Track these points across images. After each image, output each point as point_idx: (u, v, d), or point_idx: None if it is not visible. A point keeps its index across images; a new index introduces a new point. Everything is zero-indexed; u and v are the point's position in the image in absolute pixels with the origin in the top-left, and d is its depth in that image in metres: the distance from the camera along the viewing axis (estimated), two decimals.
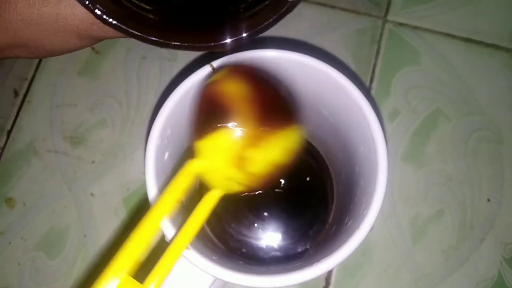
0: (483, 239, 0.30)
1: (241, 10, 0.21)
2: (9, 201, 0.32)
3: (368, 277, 0.29)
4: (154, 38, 0.19)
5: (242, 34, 0.20)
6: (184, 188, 0.18)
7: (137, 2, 0.20)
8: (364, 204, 0.20)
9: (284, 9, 0.20)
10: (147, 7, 0.20)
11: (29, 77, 0.34)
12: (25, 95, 0.34)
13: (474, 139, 0.32)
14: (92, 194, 0.31)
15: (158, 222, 0.17)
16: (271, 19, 0.20)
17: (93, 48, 0.34)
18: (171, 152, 0.23)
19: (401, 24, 0.34)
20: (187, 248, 0.18)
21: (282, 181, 0.30)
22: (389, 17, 0.34)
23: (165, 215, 0.17)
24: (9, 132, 0.33)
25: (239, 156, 0.18)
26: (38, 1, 0.24)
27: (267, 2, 0.20)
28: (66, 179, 0.32)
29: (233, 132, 0.18)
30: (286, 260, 0.28)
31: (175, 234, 0.18)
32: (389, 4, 0.34)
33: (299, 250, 0.28)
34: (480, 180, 0.31)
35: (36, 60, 0.34)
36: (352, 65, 0.33)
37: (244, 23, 0.20)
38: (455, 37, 0.33)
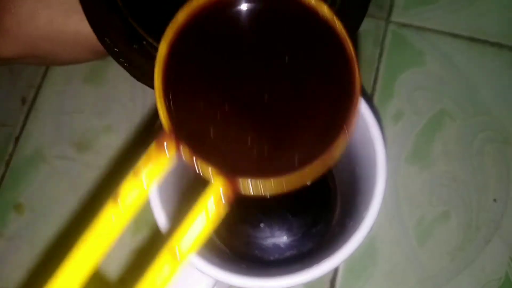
0: (489, 240, 0.29)
1: None
2: (18, 207, 0.32)
3: (373, 279, 0.29)
4: None
5: None
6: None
7: None
8: (363, 206, 0.20)
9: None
10: None
11: (36, 84, 0.35)
12: (33, 102, 0.34)
13: (479, 140, 0.31)
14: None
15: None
16: None
17: None
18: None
19: (404, 25, 0.34)
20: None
21: None
22: (392, 18, 0.34)
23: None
24: (17, 139, 0.34)
25: None
26: (59, 20, 0.25)
27: None
28: (73, 184, 0.32)
29: None
30: (292, 261, 0.28)
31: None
32: (391, 5, 0.34)
33: (305, 250, 0.28)
34: (486, 181, 0.30)
35: (43, 68, 0.35)
36: None
37: None
38: (459, 36, 0.33)
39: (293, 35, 0.16)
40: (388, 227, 0.30)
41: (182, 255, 0.14)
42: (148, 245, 0.31)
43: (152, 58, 0.18)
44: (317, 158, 0.14)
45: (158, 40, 0.16)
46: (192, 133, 0.15)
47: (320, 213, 0.29)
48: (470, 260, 0.29)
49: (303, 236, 0.29)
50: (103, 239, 0.15)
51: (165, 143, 0.14)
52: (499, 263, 0.29)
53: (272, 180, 0.14)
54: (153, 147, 0.15)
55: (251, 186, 0.14)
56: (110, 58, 0.35)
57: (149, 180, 0.15)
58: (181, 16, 0.15)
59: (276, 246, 0.29)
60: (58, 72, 0.35)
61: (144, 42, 0.17)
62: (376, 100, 0.32)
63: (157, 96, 0.14)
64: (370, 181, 0.20)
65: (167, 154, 0.14)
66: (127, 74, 0.34)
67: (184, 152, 0.14)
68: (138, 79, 0.18)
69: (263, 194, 0.14)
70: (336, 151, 0.15)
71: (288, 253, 0.28)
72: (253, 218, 0.30)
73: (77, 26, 0.25)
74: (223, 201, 0.14)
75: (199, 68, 0.15)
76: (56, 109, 0.34)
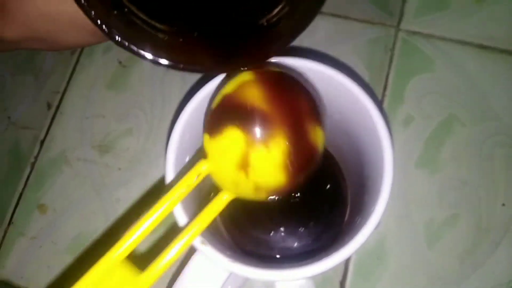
0: (498, 243, 0.30)
1: (261, 26, 0.21)
2: (41, 207, 0.34)
3: (383, 281, 0.30)
4: (164, 61, 0.20)
5: (264, 56, 0.20)
6: (192, 185, 0.19)
7: (148, 20, 0.20)
8: (371, 203, 0.21)
9: (304, 24, 0.20)
10: (159, 26, 0.20)
11: (61, 90, 0.37)
12: (58, 107, 0.36)
13: (489, 144, 0.32)
14: (118, 200, 0.33)
15: (164, 212, 0.19)
16: (287, 40, 0.20)
17: (120, 62, 0.36)
18: (191, 155, 0.24)
19: (414, 33, 0.34)
20: (193, 240, 0.19)
21: (297, 194, 0.30)
22: (402, 26, 0.35)
23: (172, 207, 0.19)
24: (42, 142, 0.35)
25: (244, 161, 0.17)
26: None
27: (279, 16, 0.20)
28: (94, 185, 0.34)
29: (241, 135, 0.17)
30: (302, 258, 0.29)
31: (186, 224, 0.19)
32: (401, 13, 0.35)
33: (316, 249, 0.29)
34: (495, 185, 0.31)
35: (68, 74, 0.37)
36: (366, 73, 0.34)
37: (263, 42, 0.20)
38: (469, 43, 0.34)
39: None
40: (398, 229, 0.30)
41: None
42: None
43: (134, 24, 0.19)
44: None
45: (140, 8, 0.18)
46: None
47: (331, 220, 0.30)
48: (480, 263, 0.30)
49: (313, 241, 0.30)
50: None
51: None
52: (509, 266, 0.29)
53: None
54: None
55: None
56: (131, 65, 0.36)
57: None
58: None
59: (287, 248, 0.29)
60: (82, 79, 0.37)
61: (126, 9, 0.19)
62: (386, 105, 0.33)
63: None
64: (378, 180, 0.21)
65: None
66: (146, 80, 0.36)
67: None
68: (119, 44, 0.19)
69: None
70: None
71: (298, 252, 0.29)
72: (264, 226, 0.30)
73: (74, 6, 0.25)
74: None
75: None
76: (80, 113, 0.36)
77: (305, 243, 0.29)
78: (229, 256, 0.20)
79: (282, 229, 0.30)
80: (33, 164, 0.35)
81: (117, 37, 0.19)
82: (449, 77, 0.33)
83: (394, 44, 0.34)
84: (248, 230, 0.30)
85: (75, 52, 0.37)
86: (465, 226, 0.30)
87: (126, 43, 0.19)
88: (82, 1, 0.18)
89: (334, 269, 0.30)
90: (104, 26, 0.19)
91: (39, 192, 0.34)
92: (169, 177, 0.21)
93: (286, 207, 0.31)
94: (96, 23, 0.19)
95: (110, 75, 0.36)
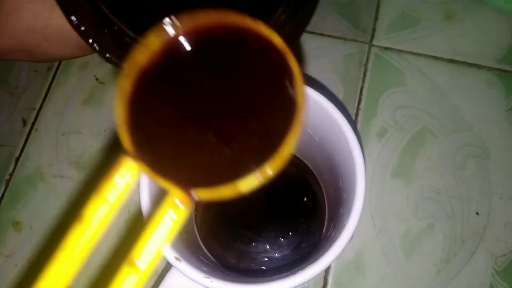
0: (473, 252, 0.30)
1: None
2: (17, 225, 0.33)
3: None
4: None
5: None
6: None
7: (137, 38, 0.19)
8: (345, 215, 0.21)
9: None
10: None
11: (37, 107, 0.36)
12: (33, 124, 0.36)
13: (461, 155, 0.33)
14: None
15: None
16: None
17: (97, 79, 0.36)
18: None
19: (386, 48, 0.35)
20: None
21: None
22: (375, 42, 0.36)
23: None
24: (18, 159, 0.35)
25: None
26: (44, 14, 0.26)
27: None
28: (71, 202, 0.33)
29: None
30: (282, 271, 0.29)
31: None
32: (374, 30, 0.36)
33: (296, 261, 0.29)
34: (469, 194, 0.32)
35: (44, 91, 0.37)
36: (341, 87, 0.35)
37: None
38: (439, 58, 0.35)
39: (239, 59, 0.17)
40: (375, 240, 0.31)
41: (146, 266, 0.15)
42: None
43: (123, 42, 0.19)
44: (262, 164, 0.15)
45: (129, 26, 0.18)
46: (151, 153, 0.16)
47: (309, 231, 0.30)
48: (456, 271, 0.30)
49: (293, 250, 0.30)
50: (73, 259, 0.15)
51: (127, 164, 0.15)
52: (484, 274, 0.30)
53: (220, 187, 0.15)
54: (115, 166, 0.15)
55: (204, 194, 0.16)
56: (108, 81, 0.36)
57: (114, 196, 0.15)
58: (140, 57, 0.16)
59: (268, 259, 0.30)
60: (58, 95, 0.36)
61: (115, 27, 0.19)
62: (361, 118, 0.34)
63: (119, 124, 0.15)
64: (351, 193, 0.22)
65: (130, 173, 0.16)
66: None
67: (144, 170, 0.15)
68: (108, 61, 0.19)
69: (219, 199, 0.15)
70: (284, 154, 0.16)
71: (279, 264, 0.29)
72: (245, 237, 0.31)
73: (61, 20, 0.24)
74: (181, 207, 0.15)
75: (157, 97, 0.16)
76: (56, 130, 0.35)
77: (286, 253, 0.29)
78: (206, 272, 0.20)
79: (262, 239, 0.30)
80: (8, 182, 0.34)
81: (107, 55, 0.19)
82: (421, 91, 0.34)
83: (367, 59, 0.35)
84: (229, 243, 0.30)
85: (52, 68, 0.37)
86: (441, 236, 0.31)
87: (116, 60, 0.19)
88: (73, 18, 0.19)
89: (313, 281, 0.30)
90: (95, 44, 0.19)
91: (14, 209, 0.34)
92: (144, 200, 0.21)
93: (265, 218, 0.31)
94: (87, 42, 0.19)
95: (86, 91, 0.36)
